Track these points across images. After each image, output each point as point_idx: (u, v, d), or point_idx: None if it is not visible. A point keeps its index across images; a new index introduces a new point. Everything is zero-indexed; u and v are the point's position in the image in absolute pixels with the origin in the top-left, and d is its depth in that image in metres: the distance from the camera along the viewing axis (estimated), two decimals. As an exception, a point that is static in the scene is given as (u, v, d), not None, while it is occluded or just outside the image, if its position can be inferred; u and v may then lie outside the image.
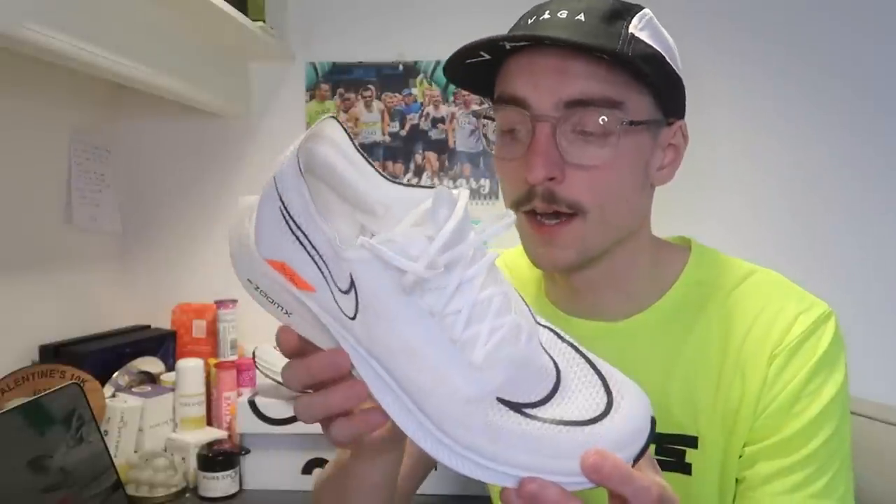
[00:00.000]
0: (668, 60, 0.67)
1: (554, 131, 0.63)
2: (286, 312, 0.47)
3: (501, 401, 0.42)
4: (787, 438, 0.66)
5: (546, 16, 0.65)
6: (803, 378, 0.66)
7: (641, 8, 0.67)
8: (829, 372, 0.68)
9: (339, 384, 0.47)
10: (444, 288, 0.42)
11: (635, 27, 0.65)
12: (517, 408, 0.41)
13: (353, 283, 0.43)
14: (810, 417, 0.66)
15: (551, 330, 0.46)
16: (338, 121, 0.47)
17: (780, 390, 0.67)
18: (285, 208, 0.43)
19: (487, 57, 0.66)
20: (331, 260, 0.43)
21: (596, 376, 0.43)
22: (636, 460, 0.41)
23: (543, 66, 0.63)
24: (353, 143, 0.47)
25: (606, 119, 0.63)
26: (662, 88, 0.66)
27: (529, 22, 0.66)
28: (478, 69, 0.68)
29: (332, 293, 0.44)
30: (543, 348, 0.44)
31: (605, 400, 0.42)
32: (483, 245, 0.44)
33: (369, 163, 0.48)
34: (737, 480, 0.70)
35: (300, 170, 0.42)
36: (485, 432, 0.41)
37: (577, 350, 0.45)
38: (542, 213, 0.65)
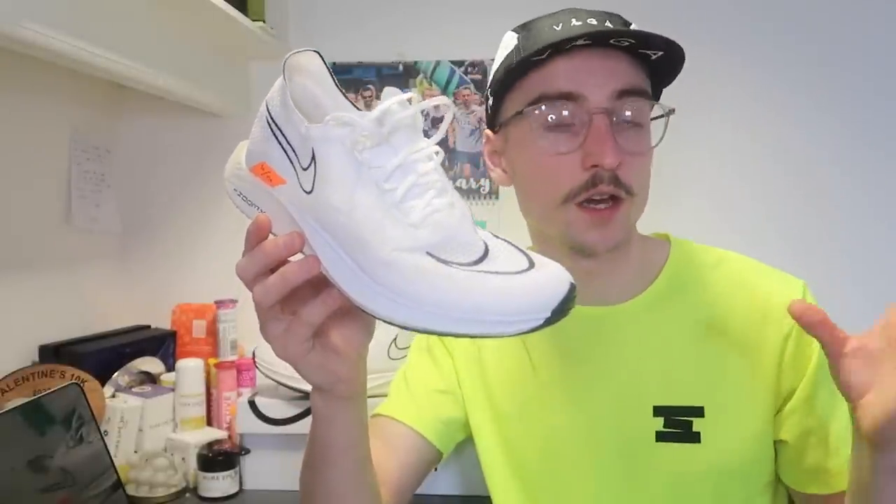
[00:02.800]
0: None
1: (611, 121, 0.70)
2: (261, 211, 0.55)
3: (431, 255, 0.47)
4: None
5: (576, 22, 0.71)
6: (818, 352, 0.74)
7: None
8: None
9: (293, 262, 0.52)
10: (383, 166, 0.49)
11: None
12: (445, 262, 0.47)
13: (313, 158, 0.50)
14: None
15: (490, 232, 0.52)
16: (318, 54, 0.54)
17: (802, 372, 0.75)
18: (270, 115, 0.52)
19: (544, 56, 0.70)
20: (298, 146, 0.51)
21: (523, 255, 0.48)
22: (556, 314, 0.44)
23: (596, 61, 0.70)
24: (332, 76, 0.54)
25: (643, 109, 0.72)
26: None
27: (557, 28, 0.71)
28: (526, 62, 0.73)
29: (297, 178, 0.51)
30: (478, 234, 0.50)
31: (527, 264, 0.47)
32: (433, 146, 0.52)
33: (344, 95, 0.54)
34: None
35: (285, 80, 0.51)
36: (413, 274, 0.46)
37: (509, 242, 0.50)
38: (599, 198, 0.70)
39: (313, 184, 0.50)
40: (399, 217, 0.48)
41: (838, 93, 1.43)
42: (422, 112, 0.53)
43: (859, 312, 1.21)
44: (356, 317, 0.57)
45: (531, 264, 0.47)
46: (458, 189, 1.50)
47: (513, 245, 0.50)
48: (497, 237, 0.51)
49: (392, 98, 0.50)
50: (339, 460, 0.63)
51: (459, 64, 1.50)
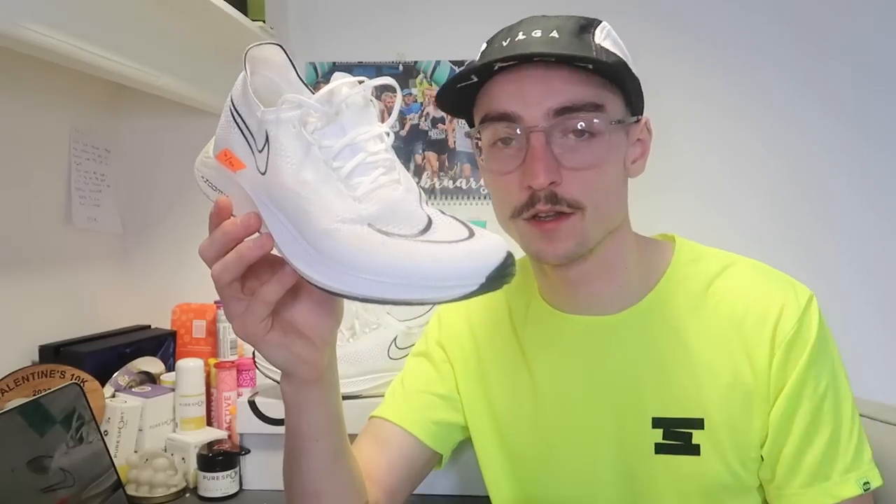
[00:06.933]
0: (629, 65, 0.72)
1: (547, 139, 0.69)
2: (225, 196, 0.57)
3: (371, 226, 0.49)
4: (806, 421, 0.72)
5: (521, 36, 0.70)
6: (803, 366, 0.72)
7: (600, 21, 0.73)
8: (825, 354, 0.74)
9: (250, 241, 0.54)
10: (332, 146, 0.52)
11: (600, 38, 0.70)
12: (386, 233, 0.49)
13: (267, 139, 0.52)
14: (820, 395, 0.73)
15: (438, 209, 0.53)
16: (281, 48, 0.56)
17: (787, 379, 0.72)
18: (232, 104, 0.55)
19: (475, 80, 0.70)
20: (256, 130, 0.53)
21: (465, 227, 0.50)
22: (490, 280, 0.46)
23: (529, 80, 0.69)
24: (294, 69, 0.57)
25: (593, 122, 0.69)
26: (630, 90, 0.72)
27: (505, 43, 0.71)
28: (459, 95, 0.73)
29: (255, 161, 0.54)
30: (423, 209, 0.52)
31: (466, 234, 0.49)
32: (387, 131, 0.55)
33: (307, 87, 0.56)
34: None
35: (246, 73, 0.54)
36: (352, 243, 0.48)
37: (457, 219, 0.52)
38: (545, 213, 0.69)
39: (266, 164, 0.52)
40: (344, 192, 0.51)
41: (837, 90, 1.44)
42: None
43: (858, 311, 1.22)
44: (321, 301, 0.59)
45: (471, 234, 0.49)
46: (458, 189, 1.50)
47: (459, 220, 0.51)
48: (446, 214, 0.52)
49: (339, 80, 0.53)
50: (312, 448, 0.65)
51: (459, 64, 1.50)
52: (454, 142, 1.51)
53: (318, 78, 1.52)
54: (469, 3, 1.48)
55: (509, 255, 0.47)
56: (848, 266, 1.43)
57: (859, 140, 1.44)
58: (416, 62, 1.51)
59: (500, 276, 0.46)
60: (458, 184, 1.50)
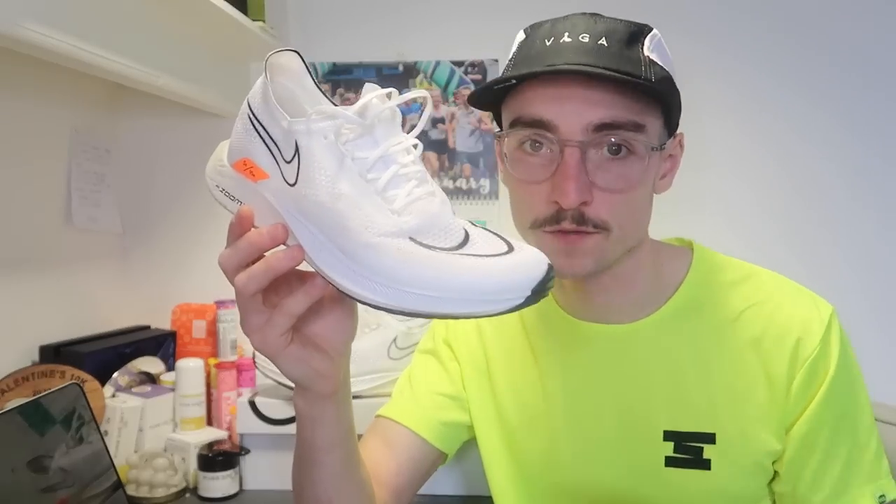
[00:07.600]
0: (674, 80, 0.68)
1: (583, 155, 0.65)
2: (247, 205, 0.56)
3: (413, 240, 0.49)
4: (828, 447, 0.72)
5: (567, 38, 0.65)
6: (827, 387, 0.71)
7: (651, 28, 0.68)
8: (846, 370, 0.72)
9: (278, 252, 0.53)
10: (366, 157, 0.51)
11: (648, 49, 0.66)
12: (428, 246, 0.48)
13: (297, 150, 0.51)
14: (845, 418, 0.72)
15: (469, 221, 0.53)
16: (298, 54, 0.55)
17: (804, 407, 0.71)
18: (251, 112, 0.53)
19: (514, 81, 0.66)
20: (281, 140, 0.52)
21: (501, 240, 0.50)
22: (535, 293, 0.46)
23: (571, 90, 0.64)
24: (311, 76, 0.56)
25: (632, 143, 0.65)
26: (673, 109, 0.68)
27: (548, 43, 0.66)
28: (490, 90, 0.69)
29: (280, 171, 0.52)
30: (457, 222, 0.52)
31: (506, 248, 0.49)
32: (416, 141, 0.54)
33: (324, 94, 0.55)
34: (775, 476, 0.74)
35: (267, 80, 0.52)
36: (397, 257, 0.48)
37: (488, 230, 0.52)
38: (569, 231, 0.67)
39: (297, 176, 0.51)
40: (382, 204, 0.50)
41: (831, 89, 1.43)
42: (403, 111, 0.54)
43: (858, 310, 1.21)
44: (338, 314, 0.58)
45: (510, 248, 0.49)
46: (458, 189, 1.50)
47: (491, 232, 0.51)
48: (476, 225, 0.52)
49: (372, 93, 0.52)
50: (325, 460, 0.64)
51: (459, 64, 1.50)
52: (454, 142, 1.51)
53: (318, 78, 1.52)
54: (469, 3, 1.48)
55: (551, 268, 0.47)
56: (846, 264, 1.43)
57: (858, 141, 1.44)
58: (416, 62, 1.51)
59: (543, 288, 0.46)
60: (458, 184, 1.50)
